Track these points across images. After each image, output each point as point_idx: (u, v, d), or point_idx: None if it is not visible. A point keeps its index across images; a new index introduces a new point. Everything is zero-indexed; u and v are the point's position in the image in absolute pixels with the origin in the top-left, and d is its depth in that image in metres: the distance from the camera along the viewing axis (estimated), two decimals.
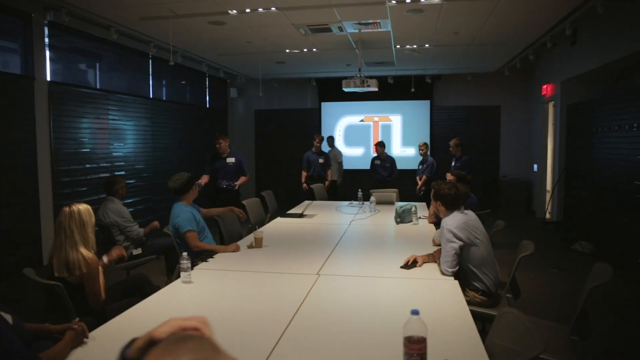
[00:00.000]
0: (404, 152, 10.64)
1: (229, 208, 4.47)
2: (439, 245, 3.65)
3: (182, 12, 5.19)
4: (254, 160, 11.31)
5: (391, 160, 8.31)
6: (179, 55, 7.32)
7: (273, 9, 5.06)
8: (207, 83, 9.94)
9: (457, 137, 7.34)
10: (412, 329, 1.58)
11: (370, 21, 5.77)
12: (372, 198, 5.79)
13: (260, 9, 5.06)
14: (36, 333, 2.08)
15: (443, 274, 2.98)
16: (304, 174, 8.21)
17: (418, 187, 7.64)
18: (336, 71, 9.75)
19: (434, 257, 3.26)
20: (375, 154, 8.45)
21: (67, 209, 2.69)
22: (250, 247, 3.70)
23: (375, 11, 5.33)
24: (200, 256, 3.58)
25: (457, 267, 2.98)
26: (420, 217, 4.94)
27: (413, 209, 4.91)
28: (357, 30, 6.12)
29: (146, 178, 7.61)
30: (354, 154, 10.83)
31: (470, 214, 3.20)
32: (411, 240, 4.08)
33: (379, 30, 6.13)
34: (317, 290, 2.67)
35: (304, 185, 8.07)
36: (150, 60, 7.76)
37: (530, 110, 9.83)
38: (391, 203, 6.10)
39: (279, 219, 5.14)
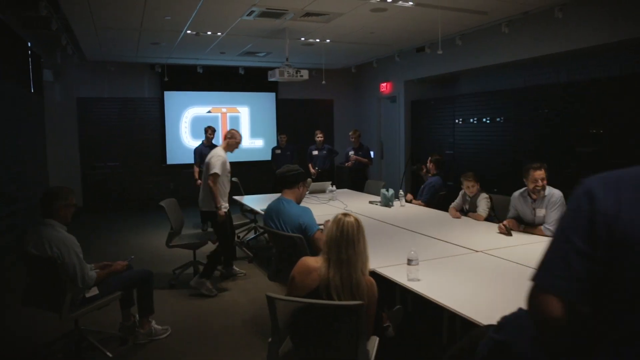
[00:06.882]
0: (253, 143, 10.68)
1: None
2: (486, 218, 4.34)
3: None
4: (79, 160, 9.40)
5: (291, 148, 8.62)
6: (54, 21, 5.63)
7: None
8: (29, 60, 7.74)
9: (355, 128, 8.09)
10: None
11: (328, 13, 5.78)
12: (331, 187, 5.98)
13: None
14: None
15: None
16: (196, 169, 7.64)
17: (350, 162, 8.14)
18: (197, 58, 9.02)
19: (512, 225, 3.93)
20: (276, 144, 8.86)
21: (350, 219, 2.28)
22: None
23: (343, 4, 5.42)
24: None
25: None
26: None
27: (400, 192, 5.43)
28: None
29: None
30: None
31: None
32: (440, 219, 4.62)
33: (316, 22, 6.17)
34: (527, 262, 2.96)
35: (198, 181, 7.44)
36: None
37: (364, 103, 11.25)
38: (323, 192, 6.39)
39: None
